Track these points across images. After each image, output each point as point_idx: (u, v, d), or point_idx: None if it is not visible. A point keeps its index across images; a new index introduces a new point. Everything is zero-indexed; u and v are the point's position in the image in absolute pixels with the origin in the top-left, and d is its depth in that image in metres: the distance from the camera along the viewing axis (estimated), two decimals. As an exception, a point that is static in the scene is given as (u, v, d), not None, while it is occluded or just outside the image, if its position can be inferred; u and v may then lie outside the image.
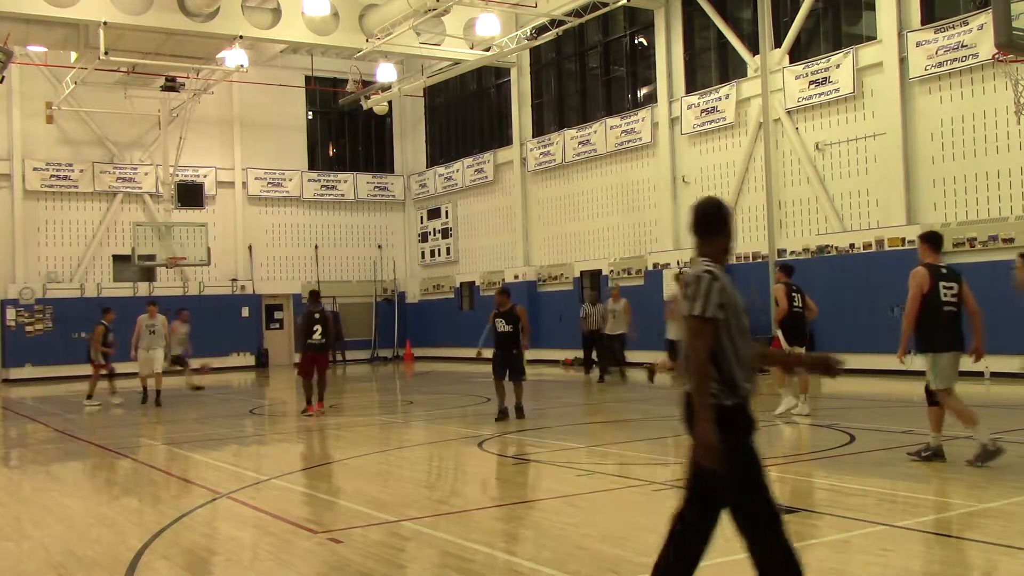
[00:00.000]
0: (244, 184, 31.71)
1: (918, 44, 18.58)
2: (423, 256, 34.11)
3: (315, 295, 16.10)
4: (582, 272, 26.95)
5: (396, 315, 33.66)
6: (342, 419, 15.54)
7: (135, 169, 30.02)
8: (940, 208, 18.63)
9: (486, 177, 30.70)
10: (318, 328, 15.32)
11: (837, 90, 20.13)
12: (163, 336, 18.84)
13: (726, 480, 4.13)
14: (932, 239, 9.08)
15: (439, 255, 33.27)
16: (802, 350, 12.29)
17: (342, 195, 33.40)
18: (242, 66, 24.77)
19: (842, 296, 19.13)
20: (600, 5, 22.40)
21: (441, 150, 33.84)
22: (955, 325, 8.65)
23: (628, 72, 26.30)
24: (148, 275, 29.71)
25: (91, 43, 22.66)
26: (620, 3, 22.16)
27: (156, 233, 27.70)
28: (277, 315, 32.28)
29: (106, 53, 22.23)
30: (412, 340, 33.47)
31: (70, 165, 29.17)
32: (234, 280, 31.24)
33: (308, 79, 31.95)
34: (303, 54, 30.14)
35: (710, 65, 23.66)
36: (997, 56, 15.20)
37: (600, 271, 26.37)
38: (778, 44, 21.55)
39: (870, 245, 19.41)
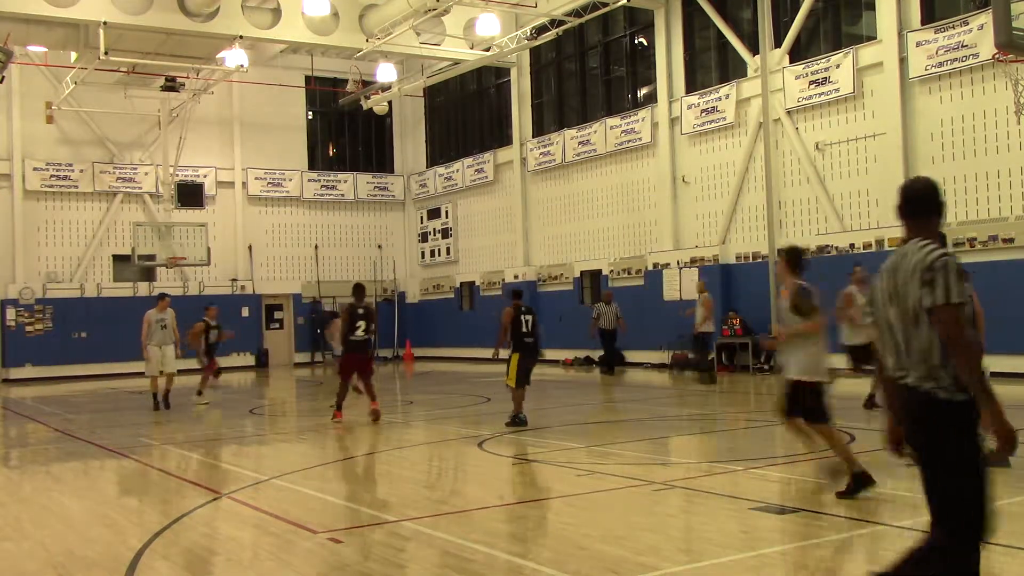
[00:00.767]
0: (244, 184, 31.71)
1: (918, 44, 18.58)
2: (423, 256, 34.11)
3: (360, 289, 14.79)
4: (582, 272, 26.96)
5: (396, 315, 33.66)
6: (342, 419, 15.53)
7: (135, 169, 30.02)
8: (940, 208, 18.60)
9: (486, 177, 30.70)
10: (361, 324, 14.10)
11: (837, 90, 20.13)
12: (174, 331, 17.49)
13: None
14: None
15: (439, 255, 33.27)
16: None
17: (342, 195, 33.41)
18: (242, 66, 24.76)
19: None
20: (600, 5, 22.40)
21: (441, 150, 33.84)
22: None
23: (628, 72, 26.30)
24: (148, 275, 29.71)
25: (91, 43, 22.66)
26: (620, 3, 22.15)
27: (156, 233, 27.71)
28: (277, 315, 32.29)
29: (106, 53, 22.23)
30: (412, 340, 33.47)
31: (70, 165, 29.17)
32: (234, 280, 31.24)
33: (308, 79, 31.95)
34: (303, 54, 30.13)
35: (710, 65, 23.66)
36: (997, 56, 15.20)
37: (600, 271, 26.37)
38: (778, 44, 21.55)
39: (870, 245, 19.40)
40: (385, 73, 27.04)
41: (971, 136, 18.09)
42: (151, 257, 27.54)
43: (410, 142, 35.00)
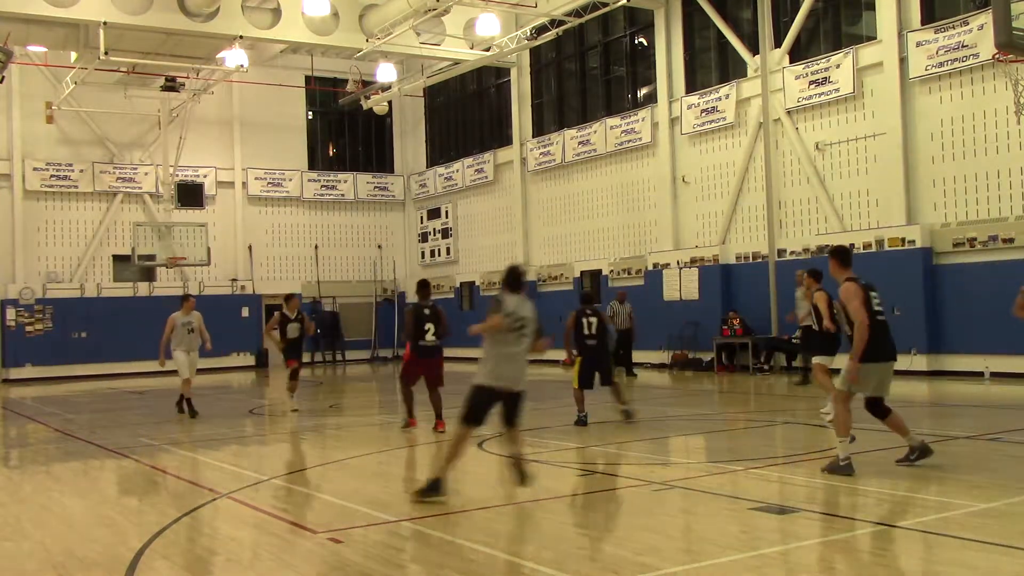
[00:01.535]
0: (244, 184, 31.72)
1: (918, 44, 18.58)
2: (423, 256, 34.11)
3: (426, 286, 13.10)
4: (582, 272, 26.95)
5: (396, 315, 33.64)
6: (342, 419, 15.54)
7: (135, 169, 30.03)
8: (940, 208, 18.63)
9: (486, 177, 30.70)
10: (430, 327, 12.53)
11: (837, 90, 20.13)
12: (202, 333, 16.53)
13: None
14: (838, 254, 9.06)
15: (439, 255, 33.27)
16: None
17: (342, 195, 33.41)
18: (242, 66, 24.77)
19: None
20: (600, 5, 22.39)
21: (441, 150, 33.84)
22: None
23: (628, 72, 26.30)
24: (148, 275, 29.73)
25: (91, 43, 22.66)
26: (620, 3, 22.15)
27: (156, 233, 27.73)
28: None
29: (106, 53, 22.24)
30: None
31: (70, 165, 29.17)
32: (234, 280, 31.24)
33: (308, 79, 31.95)
34: (303, 54, 30.13)
35: (710, 65, 23.66)
36: (997, 56, 15.19)
37: (600, 271, 26.36)
38: (778, 44, 21.55)
39: (870, 245, 19.40)
40: (385, 73, 27.04)
41: (971, 136, 18.09)
42: (151, 257, 27.56)
43: (410, 142, 35.00)
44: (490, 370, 7.98)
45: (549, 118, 28.76)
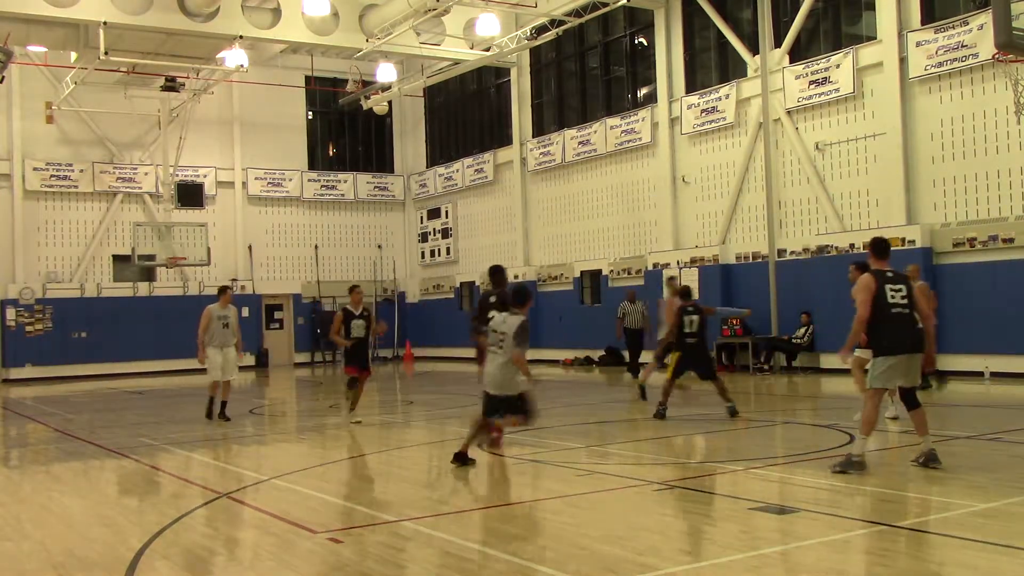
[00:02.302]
0: (244, 184, 31.72)
1: (918, 44, 18.58)
2: (423, 256, 34.11)
3: (499, 272, 11.47)
4: (582, 272, 26.95)
5: (396, 315, 33.65)
6: (342, 419, 15.53)
7: (135, 169, 30.03)
8: (940, 208, 18.63)
9: (486, 177, 30.70)
10: (494, 317, 10.47)
11: (837, 90, 20.13)
12: (236, 330, 15.13)
13: None
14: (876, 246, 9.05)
15: (439, 255, 33.27)
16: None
17: (342, 195, 33.41)
18: (242, 66, 24.78)
19: (842, 296, 19.09)
20: (600, 5, 22.40)
21: (441, 150, 33.85)
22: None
23: (628, 72, 26.30)
24: (148, 275, 29.75)
25: (91, 43, 22.66)
26: (620, 3, 22.15)
27: (156, 233, 27.73)
28: (277, 315, 32.31)
29: (106, 53, 22.24)
30: (412, 340, 33.47)
31: (70, 165, 29.18)
32: (234, 280, 31.21)
33: (308, 79, 31.95)
34: (303, 54, 30.13)
35: (710, 65, 23.67)
36: (997, 56, 15.18)
37: (600, 271, 26.37)
38: (778, 44, 21.55)
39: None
40: (385, 73, 27.05)
41: (971, 136, 18.09)
42: (151, 257, 27.56)
43: (410, 142, 35.01)
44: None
45: (549, 118, 28.76)
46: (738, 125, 22.51)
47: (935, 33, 18.31)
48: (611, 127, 25.74)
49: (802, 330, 20.49)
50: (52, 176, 28.93)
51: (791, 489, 8.29)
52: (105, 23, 21.87)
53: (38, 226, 28.96)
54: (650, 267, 24.36)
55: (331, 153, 34.14)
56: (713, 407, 16.01)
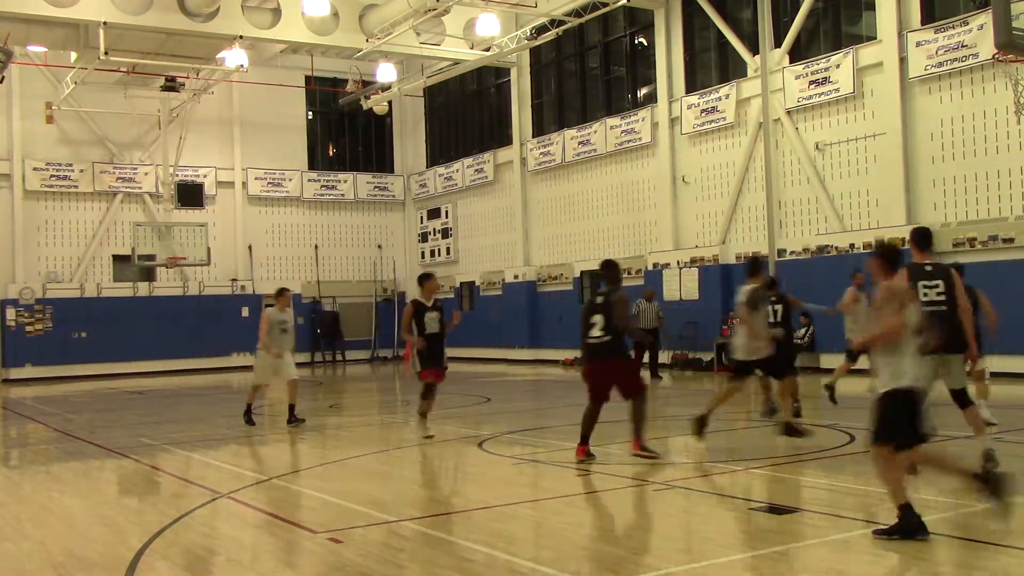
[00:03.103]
0: (244, 184, 31.72)
1: (918, 44, 18.58)
2: (423, 256, 34.11)
3: (610, 269, 10.16)
4: (582, 272, 26.95)
5: (396, 315, 33.62)
6: (342, 419, 15.54)
7: (135, 169, 30.03)
8: (940, 208, 18.63)
9: (486, 177, 30.70)
10: (597, 320, 9.71)
11: (837, 90, 20.13)
12: (294, 335, 14.38)
13: None
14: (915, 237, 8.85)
15: (439, 255, 33.27)
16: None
17: (342, 195, 33.41)
18: (242, 66, 24.77)
19: (842, 296, 19.09)
20: (600, 5, 22.40)
21: (441, 150, 33.85)
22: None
23: (628, 72, 26.30)
24: (148, 275, 29.74)
25: (91, 43, 22.66)
26: (620, 3, 22.16)
27: (156, 233, 27.73)
28: (277, 315, 32.24)
29: (106, 53, 22.24)
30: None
31: (70, 165, 29.17)
32: (234, 280, 31.25)
33: (308, 79, 31.95)
34: (303, 54, 30.13)
35: (710, 65, 23.66)
36: (997, 56, 15.20)
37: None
38: (778, 44, 21.55)
39: (870, 245, 19.37)
40: (385, 73, 27.05)
41: (971, 136, 18.09)
42: (151, 257, 27.57)
43: (410, 142, 35.01)
44: None
45: (549, 118, 28.76)
46: (738, 125, 22.50)
47: (935, 33, 18.31)
48: (611, 127, 25.73)
49: (802, 330, 20.48)
50: (52, 176, 28.93)
51: (791, 489, 8.29)
52: (105, 23, 21.87)
53: (38, 226, 28.95)
54: (650, 267, 24.36)
55: (331, 153, 34.14)
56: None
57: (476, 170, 31.16)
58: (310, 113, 33.64)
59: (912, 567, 5.84)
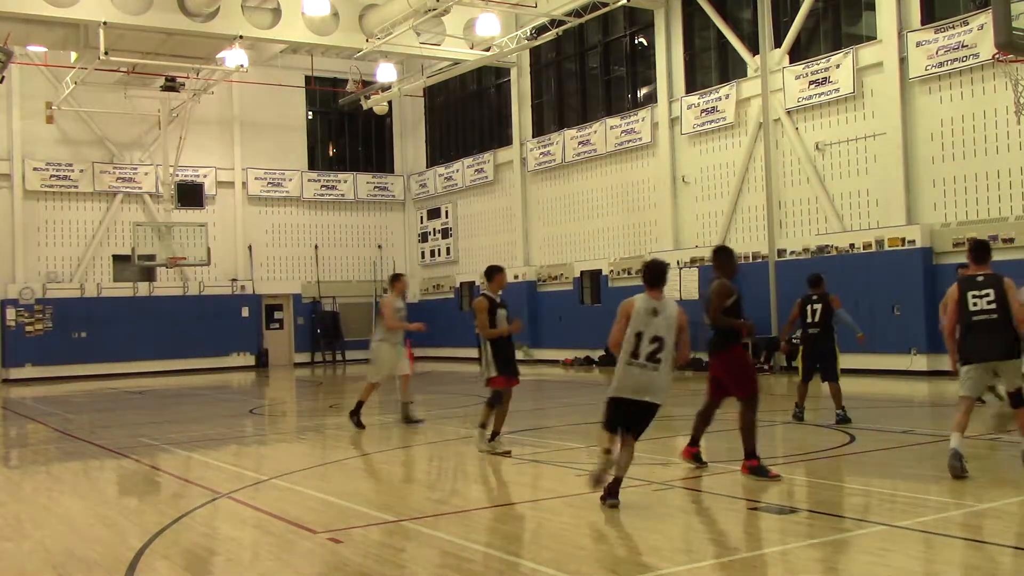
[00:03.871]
0: (244, 184, 31.71)
1: (918, 44, 18.59)
2: (423, 256, 34.11)
3: (720, 255, 9.48)
4: (582, 272, 26.95)
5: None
6: (342, 419, 15.53)
7: (135, 169, 30.03)
8: (940, 208, 18.64)
9: (486, 177, 30.70)
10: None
11: (837, 90, 20.13)
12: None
13: None
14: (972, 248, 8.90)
15: (439, 255, 33.27)
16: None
17: (342, 195, 33.41)
18: (242, 66, 24.77)
19: (842, 296, 19.00)
20: (600, 5, 22.40)
21: (441, 150, 33.84)
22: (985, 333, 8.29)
23: (628, 72, 26.30)
24: (148, 275, 29.74)
25: (91, 43, 22.65)
26: (620, 3, 22.16)
27: (156, 233, 27.73)
28: (277, 315, 32.31)
29: (106, 53, 22.23)
30: (412, 340, 33.29)
31: (70, 165, 29.17)
32: (234, 280, 31.25)
33: (308, 79, 31.95)
34: (303, 54, 30.12)
35: (710, 65, 23.66)
36: (997, 56, 15.20)
37: (600, 271, 26.36)
38: (778, 44, 21.55)
39: (870, 245, 19.40)
40: (385, 73, 27.05)
41: (971, 136, 18.09)
42: (151, 257, 27.57)
43: (410, 142, 35.00)
44: None
45: (549, 118, 28.76)
46: (738, 125, 22.50)
47: (935, 33, 18.31)
48: (611, 127, 25.73)
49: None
50: (52, 176, 28.93)
51: (791, 489, 8.28)
52: (105, 23, 21.87)
53: (38, 226, 28.95)
54: (650, 267, 24.32)
55: (331, 153, 34.13)
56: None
57: (476, 170, 31.16)
58: (310, 113, 33.64)
59: (912, 567, 5.84)
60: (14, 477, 10.77)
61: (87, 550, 6.83)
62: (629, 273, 25.19)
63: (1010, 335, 8.22)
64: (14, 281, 28.28)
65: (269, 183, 32.10)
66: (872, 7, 19.70)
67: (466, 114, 32.73)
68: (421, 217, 34.22)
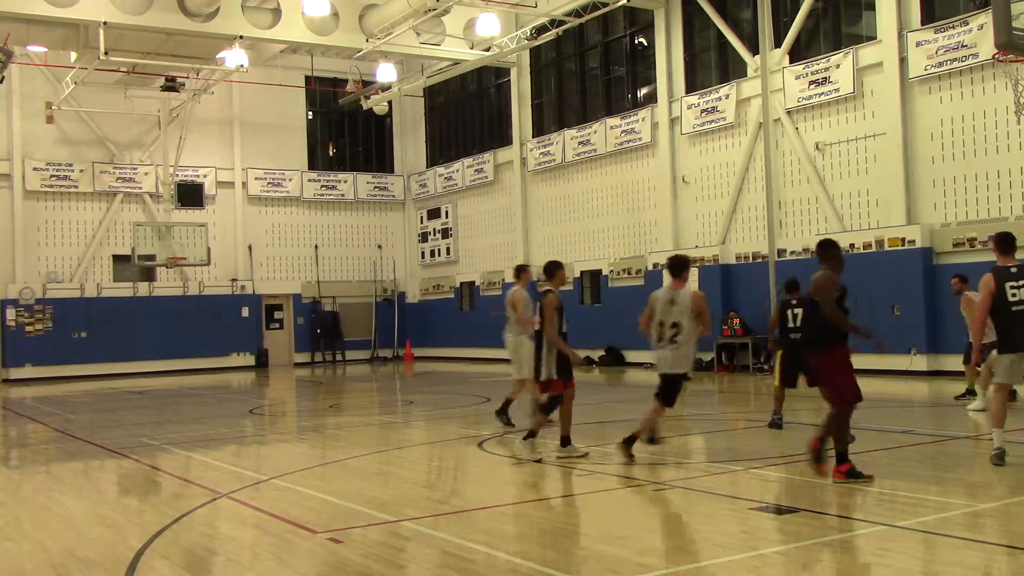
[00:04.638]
0: (244, 184, 31.71)
1: (918, 44, 18.59)
2: (423, 256, 34.11)
3: (824, 248, 8.57)
4: (582, 272, 26.95)
5: (396, 315, 33.67)
6: (342, 419, 15.55)
7: (135, 169, 30.03)
8: (940, 208, 18.64)
9: (486, 177, 30.70)
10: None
11: (837, 90, 20.13)
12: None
13: None
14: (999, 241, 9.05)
15: (439, 255, 33.27)
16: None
17: (342, 195, 33.41)
18: (242, 66, 24.77)
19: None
20: (600, 5, 22.40)
21: (441, 150, 33.85)
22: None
23: (628, 72, 26.30)
24: (148, 275, 29.75)
25: (91, 43, 22.67)
26: (620, 3, 22.16)
27: (156, 233, 27.73)
28: (277, 315, 32.31)
29: (106, 53, 22.24)
30: (412, 340, 33.48)
31: (70, 165, 29.17)
32: (234, 280, 31.25)
33: (308, 79, 31.95)
34: (303, 54, 30.14)
35: (710, 65, 23.66)
36: (997, 56, 15.19)
37: (600, 271, 26.36)
38: (778, 44, 21.55)
39: (870, 245, 19.40)
40: (385, 73, 27.05)
41: (971, 136, 18.09)
42: (151, 257, 27.56)
43: (410, 142, 35.01)
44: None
45: (549, 118, 28.76)
46: (738, 125, 22.50)
47: (935, 33, 18.31)
48: (611, 127, 25.73)
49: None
50: (52, 176, 28.93)
51: (791, 489, 8.29)
52: (105, 23, 21.87)
53: (38, 226, 28.95)
54: (650, 267, 24.35)
55: (331, 153, 34.12)
56: (713, 407, 16.02)
57: (476, 170, 31.16)
58: (310, 113, 33.64)
59: (912, 567, 5.84)
60: (14, 477, 10.77)
61: (87, 550, 6.83)
62: (629, 273, 25.21)
63: None
64: (14, 281, 28.28)
65: (269, 183, 32.11)
66: (872, 7, 19.70)
67: (466, 114, 32.74)
68: (421, 217, 34.22)
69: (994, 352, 10.41)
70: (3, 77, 22.79)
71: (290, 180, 32.44)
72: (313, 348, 32.19)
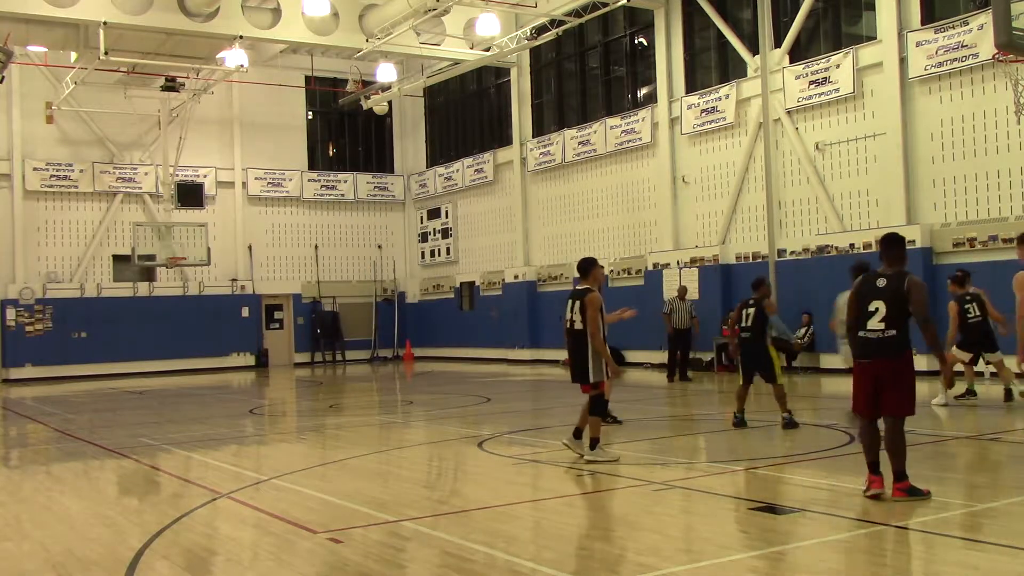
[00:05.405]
0: (244, 184, 31.71)
1: (918, 44, 18.59)
2: (423, 256, 34.12)
3: (895, 246, 7.77)
4: (582, 272, 26.90)
5: (396, 315, 33.68)
6: (342, 419, 15.55)
7: (135, 169, 30.03)
8: (940, 208, 18.64)
9: (486, 177, 30.70)
10: (878, 306, 7.51)
11: (837, 90, 20.13)
12: None
13: None
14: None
15: (439, 255, 33.28)
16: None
17: (342, 195, 33.41)
18: (242, 66, 24.77)
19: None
20: (600, 5, 22.40)
21: (441, 150, 33.85)
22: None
23: (628, 72, 26.30)
24: (148, 275, 29.75)
25: (91, 43, 22.66)
26: (620, 3, 22.16)
27: (156, 233, 27.73)
28: (277, 315, 32.31)
29: (106, 53, 22.24)
30: (412, 340, 33.48)
31: (70, 165, 29.17)
32: (234, 280, 31.25)
33: (308, 79, 31.95)
34: (303, 54, 30.14)
35: (710, 65, 23.66)
36: (997, 56, 15.18)
37: (600, 271, 26.33)
38: (778, 44, 21.55)
39: (870, 245, 19.36)
40: (385, 73, 27.05)
41: (971, 136, 18.09)
42: (151, 257, 27.57)
43: (410, 142, 35.01)
44: None
45: (549, 118, 28.76)
46: (738, 125, 22.50)
47: (935, 33, 18.31)
48: (611, 127, 25.73)
49: (802, 330, 20.48)
50: (52, 176, 28.93)
51: (791, 489, 8.29)
52: (105, 23, 21.87)
53: (38, 226, 28.95)
54: (650, 267, 24.36)
55: (331, 153, 34.12)
56: (713, 407, 16.02)
57: (476, 170, 31.16)
58: (310, 113, 33.64)
59: (912, 567, 5.84)
60: (14, 477, 10.77)
61: (87, 550, 6.83)
62: (629, 273, 25.21)
63: None
64: (14, 281, 28.28)
65: (269, 183, 32.11)
66: (872, 7, 19.69)
67: (466, 114, 32.74)
68: (421, 217, 34.22)
69: (955, 348, 10.71)
70: (3, 77, 22.79)
71: (290, 180, 32.44)
72: (313, 348, 32.19)
